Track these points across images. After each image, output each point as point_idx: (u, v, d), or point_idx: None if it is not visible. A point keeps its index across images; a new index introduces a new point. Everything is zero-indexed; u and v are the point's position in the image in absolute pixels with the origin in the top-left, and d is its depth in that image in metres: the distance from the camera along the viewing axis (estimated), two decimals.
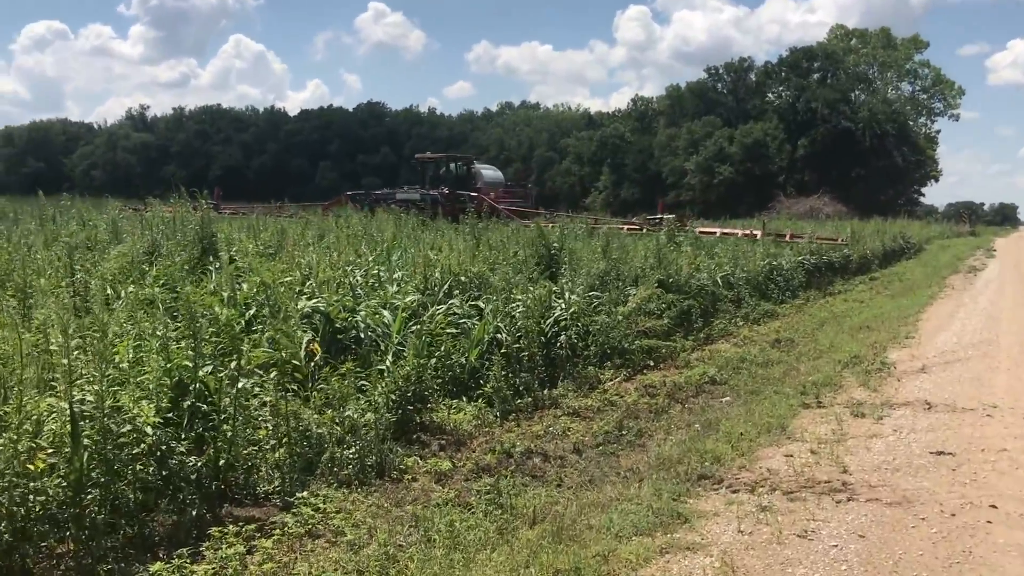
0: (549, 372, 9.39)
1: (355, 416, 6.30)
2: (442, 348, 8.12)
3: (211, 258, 11.93)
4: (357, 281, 10.41)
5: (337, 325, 8.49)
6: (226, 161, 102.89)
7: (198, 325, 5.47)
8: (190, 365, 5.51)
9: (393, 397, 7.22)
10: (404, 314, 8.79)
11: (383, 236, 13.80)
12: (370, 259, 11.64)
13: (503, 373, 8.05)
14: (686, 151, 72.53)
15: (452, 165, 37.39)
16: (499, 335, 8.66)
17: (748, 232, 20.89)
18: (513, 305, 9.66)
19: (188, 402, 5.62)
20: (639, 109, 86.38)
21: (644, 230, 21.09)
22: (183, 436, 5.46)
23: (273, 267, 11.07)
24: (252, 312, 8.30)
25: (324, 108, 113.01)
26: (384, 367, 7.62)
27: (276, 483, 5.70)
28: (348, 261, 11.70)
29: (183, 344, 5.78)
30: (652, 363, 10.39)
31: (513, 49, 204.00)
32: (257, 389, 5.98)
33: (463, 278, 10.33)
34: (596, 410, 8.09)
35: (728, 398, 8.72)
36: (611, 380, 9.37)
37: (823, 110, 70.79)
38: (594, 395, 8.60)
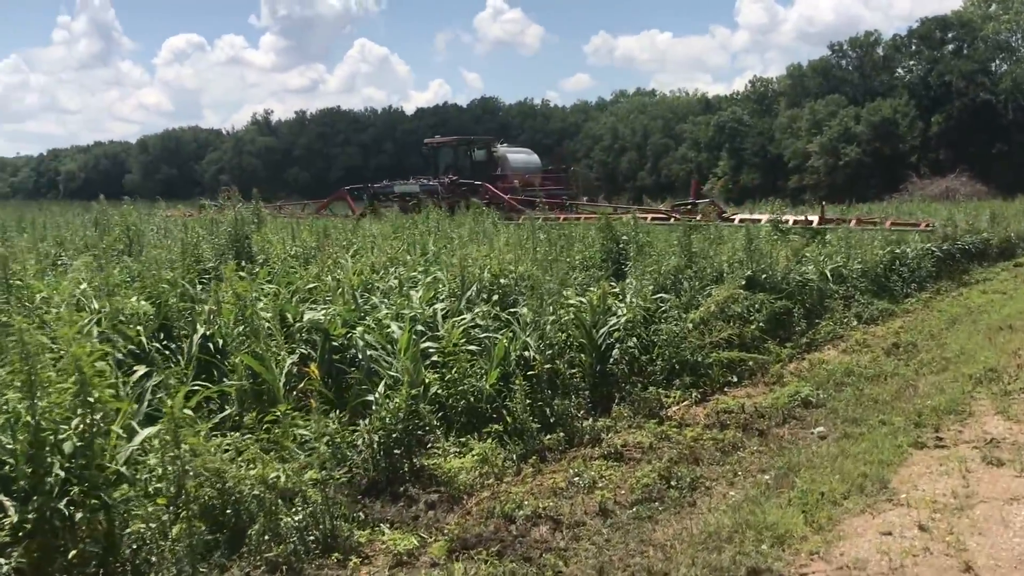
0: (603, 394, 7.76)
1: (290, 474, 4.81)
2: (454, 370, 6.60)
3: (243, 262, 10.82)
4: (390, 286, 9.03)
5: (336, 343, 7.10)
6: (346, 162, 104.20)
7: (31, 364, 4.01)
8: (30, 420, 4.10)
9: (376, 439, 5.76)
10: (418, 327, 7.31)
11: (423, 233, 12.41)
12: (408, 260, 10.25)
13: (527, 401, 6.46)
14: (809, 132, 68.43)
15: (469, 149, 32.79)
16: (527, 352, 7.05)
17: (802, 219, 16.94)
18: (561, 312, 8.09)
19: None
20: (758, 90, 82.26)
21: (672, 219, 17.84)
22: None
23: (305, 272, 9.89)
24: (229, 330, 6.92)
25: (439, 106, 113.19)
26: (374, 397, 6.15)
27: (174, 571, 4.29)
28: (383, 264, 10.35)
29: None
30: (735, 379, 8.59)
31: (631, 38, 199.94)
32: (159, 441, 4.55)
33: (503, 280, 8.77)
34: (645, 448, 6.40)
35: (821, 428, 6.87)
36: (677, 404, 7.65)
37: (959, 83, 65.52)
38: (649, 426, 6.90)
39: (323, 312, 7.56)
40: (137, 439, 4.56)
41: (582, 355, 7.88)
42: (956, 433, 6.39)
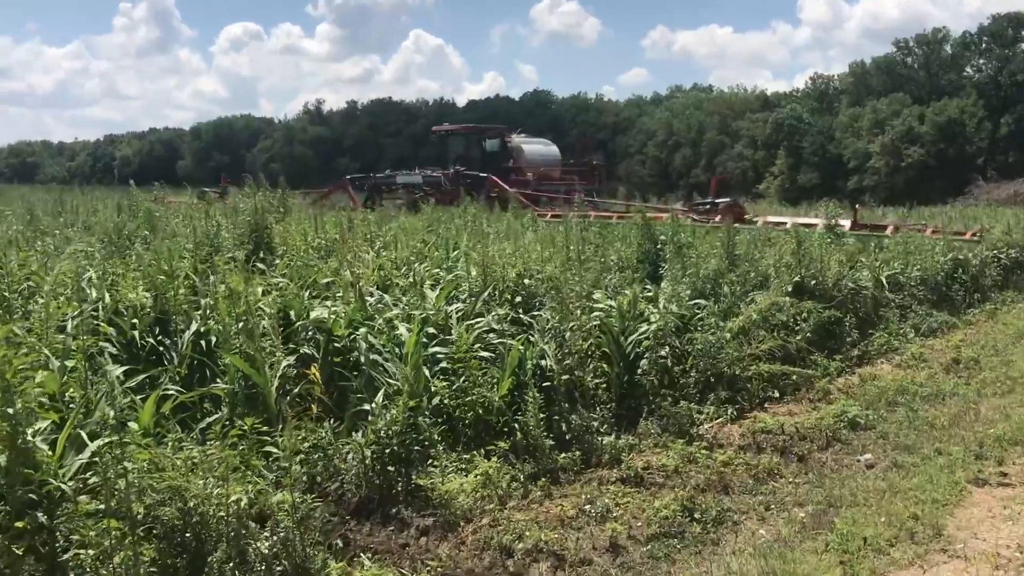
0: (630, 408, 7.15)
1: (253, 497, 4.29)
2: (463, 379, 6.04)
3: (262, 254, 10.41)
4: (411, 283, 8.51)
5: (338, 345, 6.58)
6: (395, 152, 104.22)
7: None
8: None
9: (369, 454, 5.23)
10: (429, 329, 6.76)
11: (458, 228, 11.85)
12: (434, 255, 9.72)
13: (541, 416, 5.87)
14: (870, 132, 66.44)
15: (481, 139, 30.92)
16: (544, 360, 6.45)
17: (832, 223, 14.79)
18: (587, 317, 7.50)
19: None
20: (818, 88, 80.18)
21: (689, 220, 15.93)
22: None
23: (324, 267, 9.43)
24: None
25: (490, 98, 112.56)
26: (371, 407, 5.62)
27: None
28: (406, 259, 9.84)
29: None
30: (776, 395, 7.91)
31: (690, 33, 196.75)
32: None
33: (527, 280, 8.18)
34: (669, 472, 5.78)
35: (869, 456, 6.18)
36: (710, 421, 7.01)
37: None
38: (676, 446, 6.25)
39: (331, 310, 7.07)
40: (86, 452, 4.09)
41: (608, 365, 7.30)
42: (1023, 468, 5.65)
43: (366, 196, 25.81)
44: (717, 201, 18.16)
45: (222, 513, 4.19)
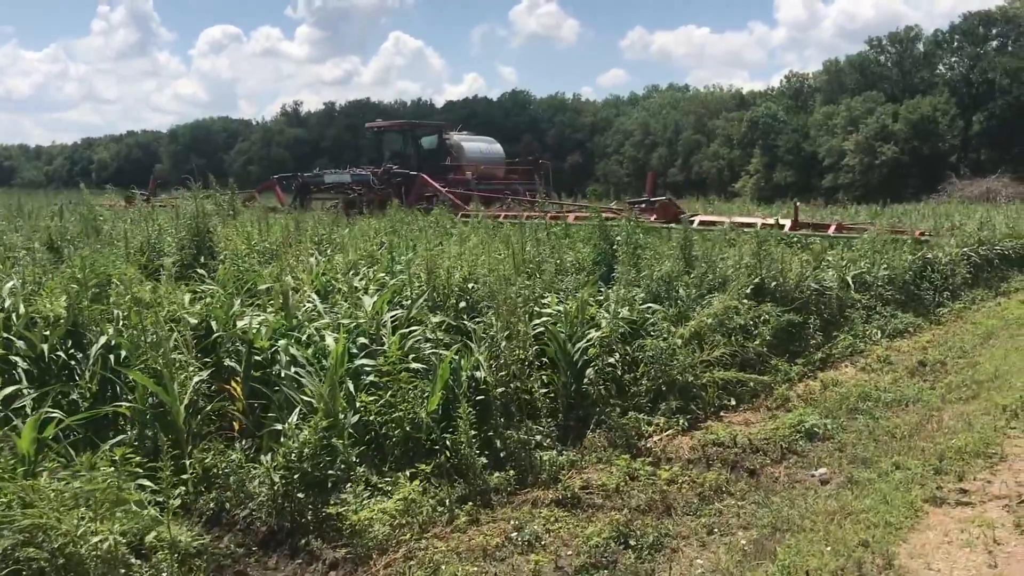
0: (578, 418, 6.76)
1: (117, 538, 3.85)
2: (388, 394, 5.61)
3: (203, 259, 9.95)
4: (354, 288, 8.08)
5: (259, 358, 6.14)
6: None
7: None
8: None
9: (277, 479, 4.80)
10: (361, 339, 6.34)
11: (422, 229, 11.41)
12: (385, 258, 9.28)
13: (473, 433, 5.45)
14: (845, 130, 66.63)
15: (417, 135, 28.89)
16: (478, 372, 6.02)
17: (773, 222, 14.18)
18: (535, 324, 7.11)
19: None
20: (793, 86, 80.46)
21: (627, 219, 14.81)
22: None
23: (265, 272, 8.98)
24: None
25: (468, 99, 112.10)
26: (283, 427, 5.18)
27: None
28: (352, 264, 9.41)
29: None
30: (732, 402, 7.54)
31: (668, 34, 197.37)
32: None
33: (472, 285, 7.77)
34: (609, 492, 5.38)
35: (824, 471, 5.81)
36: (660, 432, 6.62)
37: (1002, 81, 63.43)
38: (620, 461, 5.86)
39: (259, 320, 6.63)
40: None
41: (555, 373, 6.90)
42: (984, 484, 5.29)
43: (294, 196, 24.27)
44: (653, 199, 17.33)
45: (96, 552, 3.77)
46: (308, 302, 7.69)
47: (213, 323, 6.58)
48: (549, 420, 6.54)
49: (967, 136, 64.14)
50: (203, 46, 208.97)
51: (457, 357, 6.02)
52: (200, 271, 9.28)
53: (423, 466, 5.21)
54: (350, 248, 10.48)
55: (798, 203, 17.49)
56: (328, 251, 10.66)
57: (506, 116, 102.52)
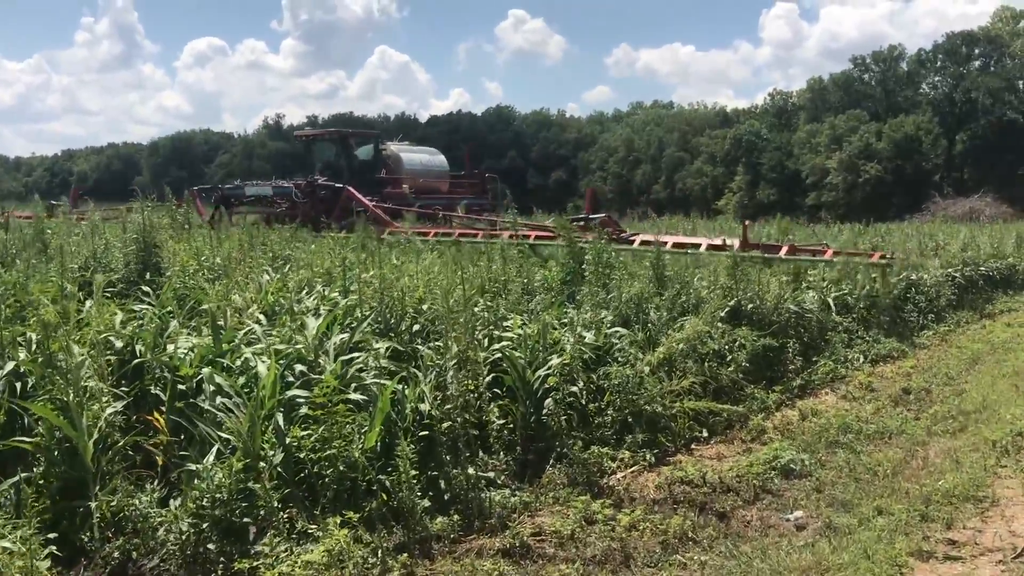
0: (538, 452, 6.25)
1: None
2: (321, 429, 5.08)
3: (149, 276, 9.39)
4: (305, 309, 7.55)
5: (183, 386, 5.60)
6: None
7: None
8: None
9: (184, 528, 4.26)
10: (299, 366, 5.81)
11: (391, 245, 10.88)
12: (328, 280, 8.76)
13: (414, 472, 4.92)
14: (828, 148, 66.56)
15: (349, 145, 26.63)
16: (422, 405, 5.48)
17: (719, 243, 12.95)
18: (481, 349, 6.61)
19: None
20: (777, 104, 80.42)
21: (558, 238, 13.26)
22: None
23: (212, 291, 8.45)
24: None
25: (452, 114, 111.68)
26: (197, 467, 4.64)
27: None
28: (305, 282, 8.88)
29: None
30: (705, 434, 7.05)
31: (654, 51, 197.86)
32: None
33: (426, 306, 7.25)
34: (563, 539, 4.86)
35: (799, 514, 5.31)
36: (625, 468, 6.12)
37: (985, 100, 63.61)
38: (578, 503, 5.34)
39: (187, 344, 6.09)
40: None
41: (514, 402, 6.39)
42: (975, 534, 4.79)
43: (213, 209, 22.38)
44: (591, 217, 16.18)
45: None
46: (253, 323, 7.18)
47: (139, 347, 6.05)
48: (506, 454, 6.06)
49: (950, 155, 64.23)
50: (188, 58, 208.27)
51: (401, 387, 5.50)
52: (145, 288, 8.74)
53: (351, 513, 4.65)
54: (307, 265, 9.95)
55: (747, 222, 15.99)
56: (284, 268, 10.12)
57: (490, 131, 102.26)
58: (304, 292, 8.63)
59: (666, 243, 11.88)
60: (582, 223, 14.83)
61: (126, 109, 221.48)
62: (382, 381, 5.54)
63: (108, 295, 8.70)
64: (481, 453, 5.94)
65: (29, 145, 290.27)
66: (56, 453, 4.90)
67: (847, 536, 4.74)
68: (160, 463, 5.36)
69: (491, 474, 5.72)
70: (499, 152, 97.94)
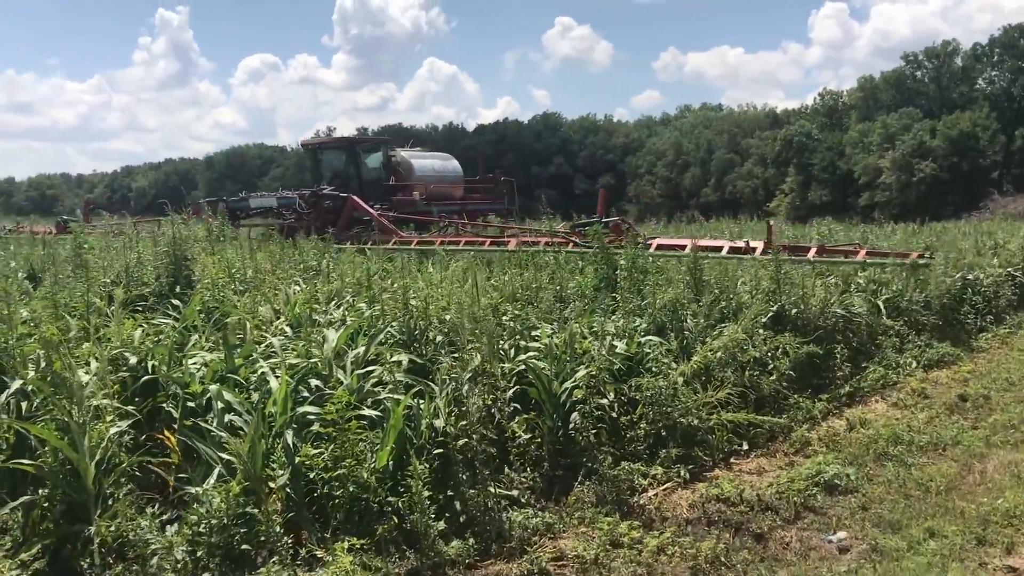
0: (567, 467, 5.96)
1: None
2: (331, 447, 4.83)
3: (180, 289, 9.31)
4: (330, 320, 7.36)
5: (190, 404, 5.41)
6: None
7: None
8: None
9: (180, 556, 4.04)
10: (314, 381, 5.59)
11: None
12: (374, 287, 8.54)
13: (427, 493, 4.66)
14: (880, 147, 65.08)
15: (358, 153, 25.61)
16: (436, 421, 5.21)
17: (742, 245, 12.22)
18: (516, 360, 6.36)
19: None
20: (827, 104, 78.90)
21: (570, 244, 13.01)
22: None
23: (240, 303, 8.33)
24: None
25: (499, 122, 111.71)
26: (197, 491, 4.42)
27: None
28: (336, 293, 8.70)
29: None
30: (744, 447, 6.68)
31: (702, 55, 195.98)
32: None
33: (449, 316, 6.98)
34: (585, 565, 4.55)
35: (843, 535, 4.94)
36: (659, 485, 5.79)
37: None
38: (604, 524, 5.03)
39: (200, 359, 5.92)
40: None
41: (540, 416, 6.10)
42: None
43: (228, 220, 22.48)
44: (606, 220, 14.67)
45: None
46: (277, 335, 7.00)
47: (152, 363, 5.88)
48: (533, 470, 5.79)
49: (1009, 152, 62.37)
50: (242, 75, 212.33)
51: (415, 403, 5.25)
52: (175, 302, 8.64)
53: (355, 540, 4.39)
54: (339, 276, 9.76)
55: (771, 223, 14.85)
56: (317, 280, 9.96)
57: (537, 138, 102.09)
58: (333, 303, 8.45)
59: (683, 247, 11.34)
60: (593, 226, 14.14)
61: (183, 126, 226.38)
62: (396, 396, 5.29)
63: (139, 309, 8.66)
64: (507, 469, 5.69)
65: (91, 163, 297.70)
66: (60, 475, 4.73)
67: (894, 561, 4.37)
68: (170, 484, 5.19)
69: (514, 492, 5.45)
70: (546, 158, 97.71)
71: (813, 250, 11.43)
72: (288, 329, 7.34)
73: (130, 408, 5.48)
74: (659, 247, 12.28)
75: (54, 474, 4.72)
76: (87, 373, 5.72)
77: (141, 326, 7.15)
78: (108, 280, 9.39)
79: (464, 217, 21.47)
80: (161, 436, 5.37)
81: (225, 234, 12.60)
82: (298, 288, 9.15)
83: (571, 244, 12.89)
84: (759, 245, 11.89)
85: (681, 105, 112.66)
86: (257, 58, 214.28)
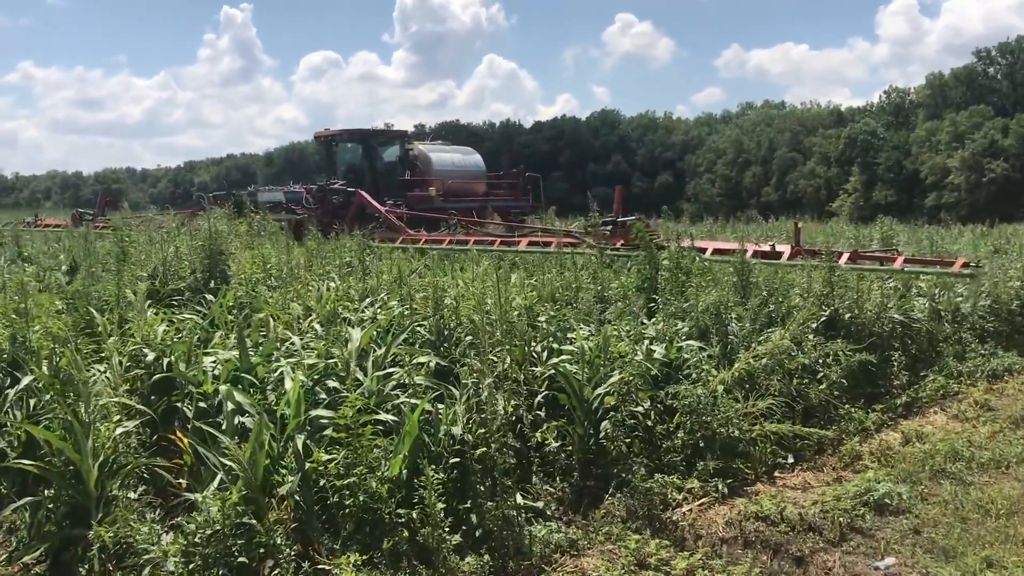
0: (599, 477, 5.66)
1: None
2: (343, 454, 4.58)
3: (215, 284, 9.20)
4: (362, 319, 7.15)
5: (202, 405, 5.21)
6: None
7: None
8: None
9: (174, 567, 3.83)
10: (331, 382, 5.36)
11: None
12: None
13: (442, 506, 4.39)
14: (949, 146, 63.25)
15: (374, 146, 24.71)
16: (454, 428, 4.92)
17: (767, 247, 11.33)
18: (554, 362, 6.08)
19: None
20: (893, 102, 76.97)
21: (583, 244, 12.30)
22: None
23: (272, 299, 8.19)
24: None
25: (556, 119, 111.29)
26: (197, 497, 4.20)
27: None
28: (369, 289, 8.49)
29: None
30: (789, 460, 6.29)
31: (765, 51, 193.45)
32: None
33: (478, 317, 6.70)
34: None
35: (890, 562, 4.55)
36: (695, 500, 5.44)
37: None
38: (631, 542, 4.70)
39: (215, 357, 5.73)
40: None
41: (571, 423, 5.79)
42: None
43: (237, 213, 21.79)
44: (623, 219, 13.55)
45: None
46: (304, 333, 6.82)
47: (167, 360, 5.71)
48: (562, 480, 5.50)
49: None
50: (304, 72, 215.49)
51: (432, 408, 4.98)
52: (209, 297, 8.52)
53: (357, 556, 4.12)
54: (376, 273, 9.54)
55: (799, 223, 13.81)
56: (356, 276, 9.76)
57: (595, 135, 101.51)
58: (367, 301, 8.24)
59: (704, 250, 10.69)
60: (611, 227, 13.31)
61: (246, 122, 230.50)
62: (413, 400, 5.02)
63: (174, 304, 8.56)
64: (534, 479, 5.41)
65: (155, 158, 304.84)
66: (64, 476, 4.58)
67: None
68: (181, 488, 5.00)
69: (539, 504, 5.16)
70: (603, 156, 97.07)
71: (845, 255, 10.63)
72: (319, 327, 7.14)
73: (143, 407, 5.34)
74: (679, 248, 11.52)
75: (59, 475, 4.57)
76: (104, 370, 5.62)
77: (171, 321, 7.05)
78: (145, 274, 9.33)
79: (476, 215, 20.59)
80: (172, 436, 5.19)
81: (266, 228, 12.49)
82: (334, 285, 8.95)
83: (584, 245, 12.26)
84: (786, 249, 11.15)
85: (743, 103, 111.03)
86: (319, 55, 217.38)
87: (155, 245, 10.88)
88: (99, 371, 5.56)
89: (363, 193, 19.80)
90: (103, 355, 5.96)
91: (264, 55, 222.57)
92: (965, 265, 10.95)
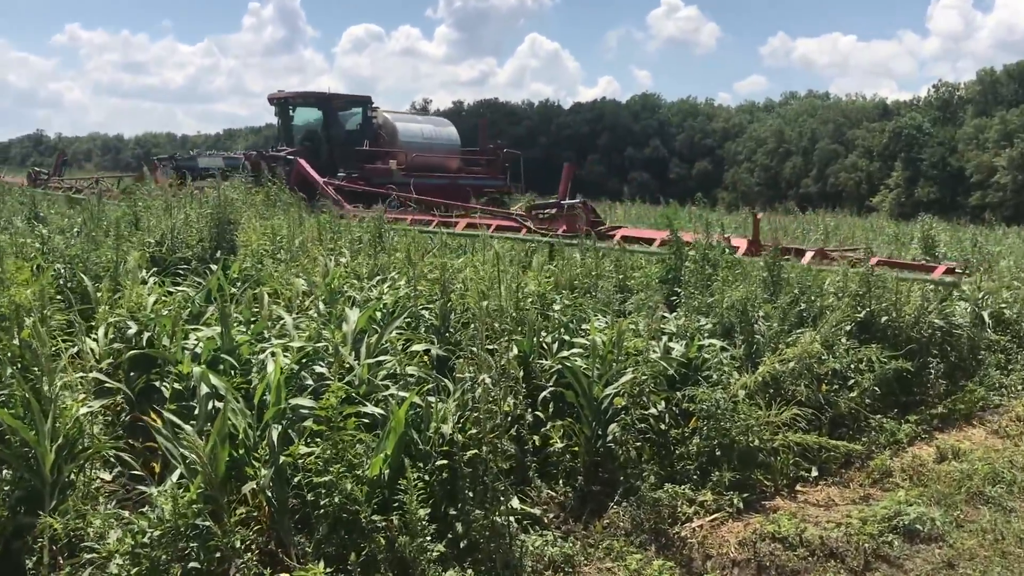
0: (605, 483, 5.24)
1: None
2: (320, 448, 4.18)
3: (219, 254, 8.89)
4: (367, 299, 6.76)
5: (178, 386, 4.84)
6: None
7: None
8: None
9: (118, 569, 3.46)
10: (318, 367, 4.97)
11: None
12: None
13: (424, 512, 3.98)
14: (997, 144, 61.61)
15: (332, 111, 22.93)
16: (443, 426, 4.49)
17: (723, 239, 9.75)
18: (563, 355, 5.67)
19: None
20: (941, 96, 75.09)
21: (524, 230, 11.48)
22: None
23: (277, 274, 7.84)
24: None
25: (596, 101, 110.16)
26: (153, 492, 3.83)
27: None
28: (380, 268, 8.10)
29: None
30: (814, 473, 5.82)
31: (812, 41, 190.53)
32: None
33: (476, 303, 6.26)
34: None
35: None
36: (702, 516, 4.99)
37: None
38: (632, 560, 4.28)
39: (209, 335, 5.36)
40: None
41: (579, 423, 5.37)
42: None
43: (174, 179, 19.31)
44: (567, 203, 12.70)
45: None
46: (309, 311, 6.46)
47: (151, 334, 5.36)
48: (566, 484, 5.09)
49: None
50: (346, 44, 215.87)
51: (422, 403, 4.56)
52: (214, 267, 8.18)
53: (321, 568, 3.72)
54: (390, 251, 9.14)
55: (758, 215, 12.65)
56: (366, 253, 9.37)
57: (634, 119, 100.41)
58: (377, 279, 7.85)
59: (651, 241, 9.84)
60: (552, 211, 12.44)
61: None
62: (402, 393, 4.62)
63: (180, 273, 8.25)
64: (537, 481, 5.00)
65: (196, 124, 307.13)
66: (20, 459, 4.22)
67: None
68: (156, 473, 4.65)
69: (536, 511, 4.74)
70: (643, 140, 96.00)
71: (809, 254, 9.72)
72: (322, 305, 6.75)
73: (118, 385, 5.00)
74: (624, 239, 10.69)
75: (13, 457, 4.22)
76: (85, 343, 5.29)
77: (170, 292, 6.72)
78: (152, 241, 9.03)
79: (444, 193, 19.06)
80: (146, 419, 4.83)
81: (281, 198, 12.12)
82: (344, 260, 8.57)
83: (524, 230, 11.49)
84: (742, 244, 10.19)
85: (786, 92, 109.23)
86: (361, 28, 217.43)
87: (164, 212, 10.59)
88: (87, 343, 5.24)
89: (302, 162, 18.43)
90: (89, 326, 5.64)
91: (307, 25, 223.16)
92: (949, 272, 10.04)
